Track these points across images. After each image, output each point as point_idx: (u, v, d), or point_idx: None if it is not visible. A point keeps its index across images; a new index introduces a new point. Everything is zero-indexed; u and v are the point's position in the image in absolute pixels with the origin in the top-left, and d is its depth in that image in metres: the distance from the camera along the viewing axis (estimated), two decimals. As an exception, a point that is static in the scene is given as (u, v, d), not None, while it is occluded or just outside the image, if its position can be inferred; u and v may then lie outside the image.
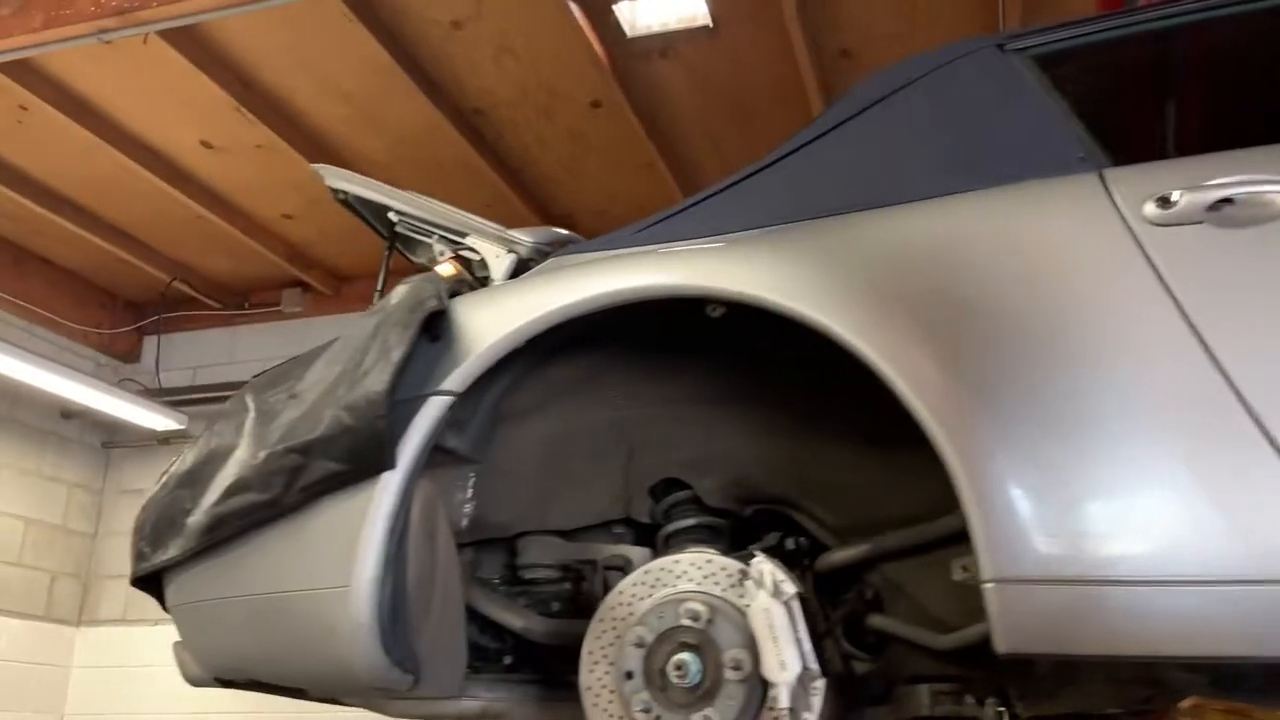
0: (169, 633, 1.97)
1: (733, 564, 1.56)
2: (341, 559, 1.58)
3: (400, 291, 1.79)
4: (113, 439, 6.81)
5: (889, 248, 1.55)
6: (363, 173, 5.13)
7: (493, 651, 1.96)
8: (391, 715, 1.96)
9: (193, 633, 1.92)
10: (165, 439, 6.54)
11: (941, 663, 1.63)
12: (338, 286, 6.48)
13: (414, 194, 2.30)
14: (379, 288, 2.67)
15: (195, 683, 2.00)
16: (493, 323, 1.67)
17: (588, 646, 1.57)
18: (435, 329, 1.69)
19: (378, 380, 1.60)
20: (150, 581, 2.00)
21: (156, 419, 6.04)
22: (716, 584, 1.55)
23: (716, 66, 4.24)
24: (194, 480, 1.85)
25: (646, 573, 1.59)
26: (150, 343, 6.91)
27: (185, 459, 1.96)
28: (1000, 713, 1.58)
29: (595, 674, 1.55)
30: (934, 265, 1.50)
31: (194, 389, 6.57)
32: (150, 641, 6.26)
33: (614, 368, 1.91)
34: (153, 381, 6.52)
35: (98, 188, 5.32)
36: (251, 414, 1.84)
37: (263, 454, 1.68)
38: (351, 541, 1.57)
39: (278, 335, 6.59)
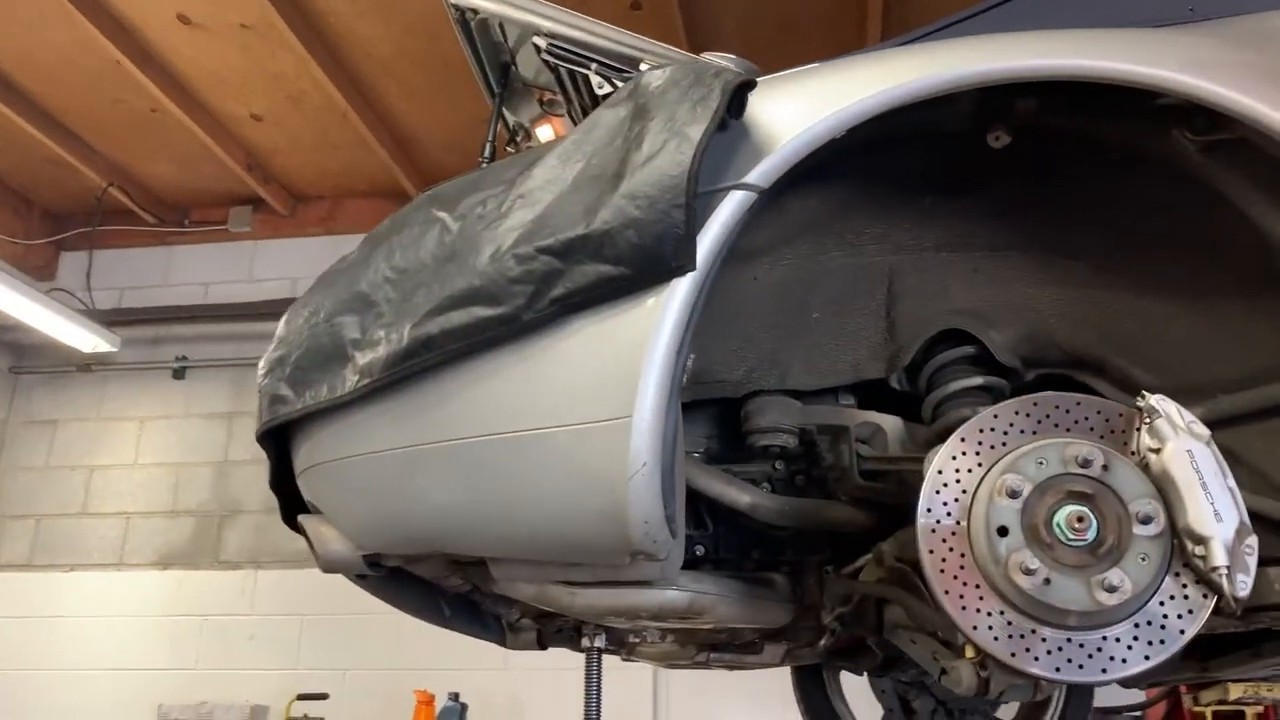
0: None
1: (1109, 403, 1.29)
2: (617, 385, 1.24)
3: (661, 74, 1.43)
4: (20, 364, 6.11)
5: None
6: (356, 67, 4.70)
7: (685, 539, 1.65)
8: (573, 608, 1.61)
9: (346, 498, 1.54)
10: (87, 365, 5.89)
11: None
12: (294, 207, 5.94)
13: (565, 10, 1.93)
14: (489, 139, 2.31)
15: (332, 565, 1.62)
16: (806, 105, 1.34)
17: (926, 503, 1.28)
18: (730, 111, 1.34)
19: (673, 162, 1.26)
20: (277, 436, 1.61)
21: (85, 337, 5.38)
22: (1091, 427, 1.27)
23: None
24: (366, 304, 1.48)
25: (996, 417, 1.30)
26: (69, 259, 6.24)
27: (336, 285, 1.58)
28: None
29: (939, 534, 1.26)
30: None
31: (121, 312, 5.94)
32: (62, 589, 5.61)
33: (862, 206, 1.62)
34: (74, 301, 5.84)
35: (46, 65, 4.70)
36: (449, 223, 1.47)
37: (494, 261, 1.32)
38: (632, 363, 1.24)
39: (221, 257, 6.03)
